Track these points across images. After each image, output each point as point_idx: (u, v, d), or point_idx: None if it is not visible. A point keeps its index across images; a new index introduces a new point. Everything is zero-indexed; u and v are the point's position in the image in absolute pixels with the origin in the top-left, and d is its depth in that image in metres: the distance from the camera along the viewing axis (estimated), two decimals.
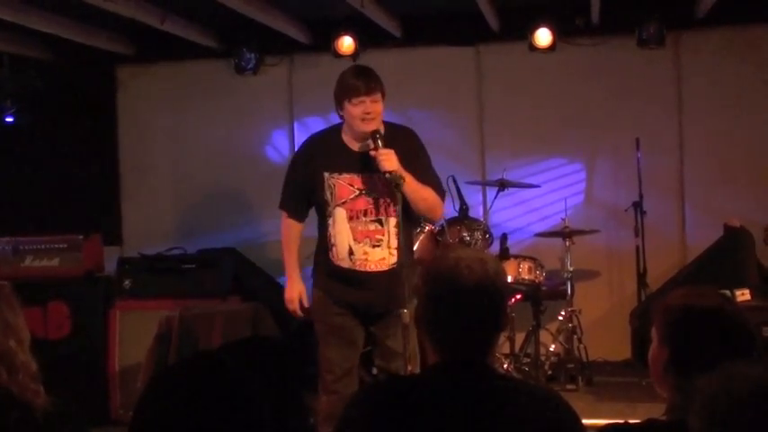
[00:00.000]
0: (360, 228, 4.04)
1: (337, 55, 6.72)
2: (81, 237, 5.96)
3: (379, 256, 4.04)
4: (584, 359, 6.19)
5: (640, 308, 6.29)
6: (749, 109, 6.67)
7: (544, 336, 6.15)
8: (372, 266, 4.05)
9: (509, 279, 5.65)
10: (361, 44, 6.76)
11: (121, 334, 5.72)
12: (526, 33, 6.63)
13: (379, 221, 4.04)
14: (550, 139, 6.96)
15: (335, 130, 4.19)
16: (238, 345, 1.48)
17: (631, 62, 6.79)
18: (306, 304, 4.24)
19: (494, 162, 6.91)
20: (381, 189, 4.02)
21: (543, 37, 6.60)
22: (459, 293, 2.04)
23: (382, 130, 4.00)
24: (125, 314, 5.77)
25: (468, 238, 5.74)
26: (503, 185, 6.12)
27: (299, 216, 4.27)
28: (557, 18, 6.61)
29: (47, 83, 7.25)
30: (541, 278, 6.00)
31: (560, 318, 6.21)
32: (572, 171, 6.97)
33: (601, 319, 6.69)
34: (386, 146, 3.95)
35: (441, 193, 4.17)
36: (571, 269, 6.16)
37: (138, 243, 6.87)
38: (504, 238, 6.21)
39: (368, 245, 4.04)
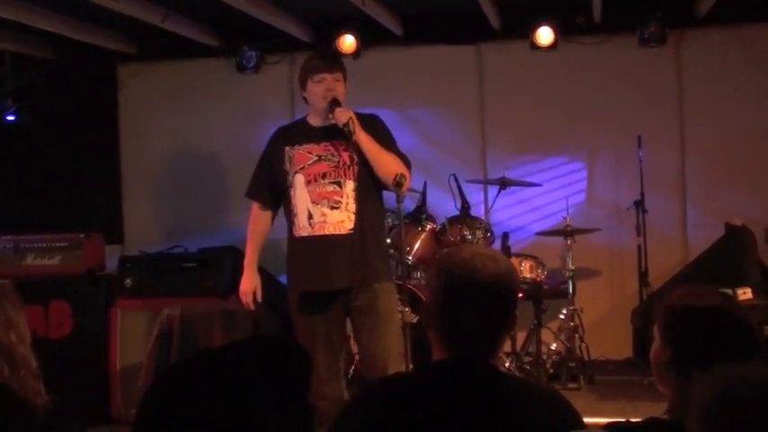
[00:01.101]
0: (318, 190, 4.08)
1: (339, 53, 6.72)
2: (82, 235, 5.96)
3: (338, 218, 4.05)
4: (586, 358, 6.18)
5: (642, 306, 6.28)
6: (751, 107, 6.66)
7: (545, 334, 6.14)
8: (331, 229, 4.05)
9: None
10: (363, 43, 6.76)
11: (122, 332, 5.71)
12: (527, 32, 6.63)
13: (338, 183, 4.07)
14: (552, 138, 6.95)
15: (302, 117, 4.32)
16: (241, 344, 1.47)
17: (633, 61, 6.78)
18: (259, 298, 4.24)
19: (495, 161, 6.90)
20: (342, 154, 4.07)
21: (545, 35, 6.59)
22: (473, 289, 2.03)
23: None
24: (126, 313, 5.75)
25: (469, 237, 5.73)
26: (504, 184, 6.12)
27: (264, 201, 4.31)
28: (558, 17, 6.61)
29: (48, 81, 7.25)
30: (543, 277, 6.00)
31: (562, 316, 6.20)
32: (573, 170, 6.96)
33: (602, 318, 6.68)
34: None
35: (406, 163, 4.15)
36: (572, 268, 6.15)
37: (140, 241, 6.87)
38: (505, 236, 6.21)
39: (326, 206, 4.06)
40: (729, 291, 4.77)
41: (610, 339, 6.58)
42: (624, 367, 6.40)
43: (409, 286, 4.28)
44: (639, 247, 6.41)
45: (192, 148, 7.41)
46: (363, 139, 4.00)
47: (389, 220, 5.16)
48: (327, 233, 4.06)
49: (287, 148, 4.17)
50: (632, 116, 6.71)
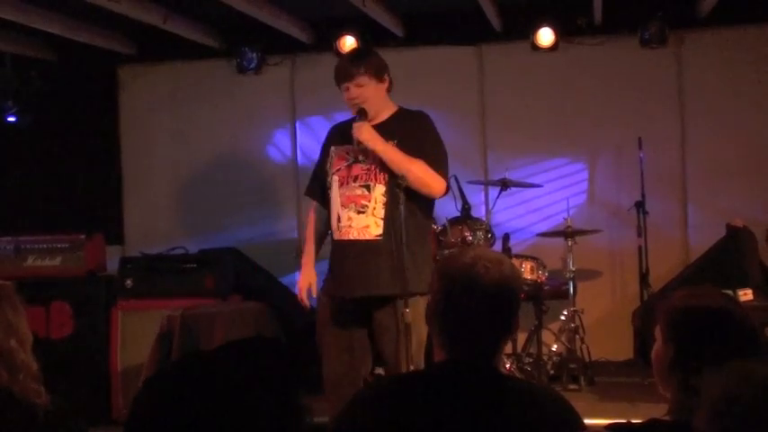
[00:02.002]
0: (347, 193, 4.02)
1: (339, 55, 6.71)
2: (83, 236, 5.97)
3: (363, 223, 3.97)
4: (587, 359, 6.18)
5: (643, 308, 6.27)
6: (752, 108, 6.66)
7: (546, 335, 6.14)
8: (354, 234, 3.98)
9: None
10: (364, 44, 6.75)
11: (123, 334, 5.72)
12: (528, 33, 6.63)
13: (367, 187, 3.99)
14: (553, 139, 6.95)
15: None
16: (237, 344, 1.47)
17: (634, 62, 6.78)
18: (314, 294, 4.18)
19: (496, 162, 6.91)
20: (375, 157, 4.00)
21: (545, 36, 6.60)
22: (475, 293, 2.03)
23: (370, 112, 4.03)
24: (127, 314, 5.77)
25: (470, 238, 5.73)
26: (505, 185, 6.11)
27: (320, 200, 4.25)
28: (559, 18, 6.62)
29: (49, 83, 7.25)
30: (543, 278, 5.99)
31: (562, 317, 6.19)
32: (574, 171, 6.96)
33: (603, 319, 6.68)
34: (382, 125, 4.05)
35: (438, 170, 4.06)
36: (573, 269, 6.15)
37: (140, 243, 6.87)
38: (506, 237, 6.21)
39: (352, 210, 3.99)
40: (730, 292, 4.76)
41: (610, 340, 6.58)
42: (625, 368, 6.39)
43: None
44: (640, 248, 6.39)
45: (193, 149, 7.41)
46: (381, 152, 3.93)
47: None
48: (351, 238, 3.98)
49: (332, 148, 4.14)
50: (633, 117, 6.72)
